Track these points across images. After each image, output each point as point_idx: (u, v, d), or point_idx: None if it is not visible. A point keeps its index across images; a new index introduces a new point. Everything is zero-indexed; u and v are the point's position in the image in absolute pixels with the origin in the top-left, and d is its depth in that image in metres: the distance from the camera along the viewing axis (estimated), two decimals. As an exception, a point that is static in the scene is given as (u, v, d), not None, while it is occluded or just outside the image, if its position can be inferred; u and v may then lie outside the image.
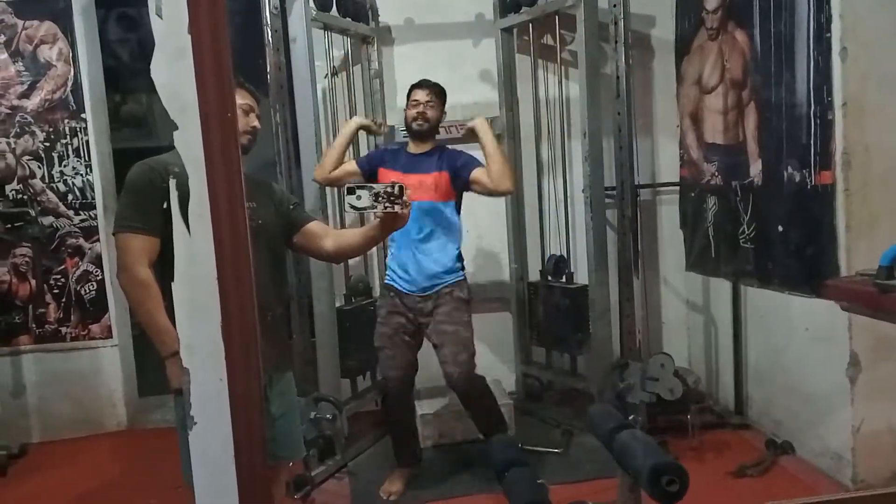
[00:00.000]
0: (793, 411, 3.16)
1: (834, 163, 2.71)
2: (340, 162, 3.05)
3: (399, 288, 2.98)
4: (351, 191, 1.67)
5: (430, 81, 3.01)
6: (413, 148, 3.00)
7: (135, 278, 1.77)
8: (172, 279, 1.77)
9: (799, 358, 3.09)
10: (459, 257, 3.03)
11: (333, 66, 3.72)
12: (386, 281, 3.08)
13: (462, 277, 3.01)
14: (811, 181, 2.84)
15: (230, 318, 0.87)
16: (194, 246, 0.88)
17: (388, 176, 2.91)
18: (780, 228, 3.08)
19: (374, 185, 1.68)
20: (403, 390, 3.07)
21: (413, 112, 2.96)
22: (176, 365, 1.76)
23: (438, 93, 2.99)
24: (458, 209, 3.03)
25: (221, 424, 0.89)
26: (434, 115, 2.98)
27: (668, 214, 4.13)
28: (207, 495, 0.91)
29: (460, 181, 2.93)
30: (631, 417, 3.00)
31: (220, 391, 0.88)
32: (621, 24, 3.36)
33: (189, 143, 0.86)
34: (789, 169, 2.98)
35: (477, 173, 2.89)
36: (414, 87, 3.01)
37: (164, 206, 1.76)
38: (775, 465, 3.06)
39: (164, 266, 1.79)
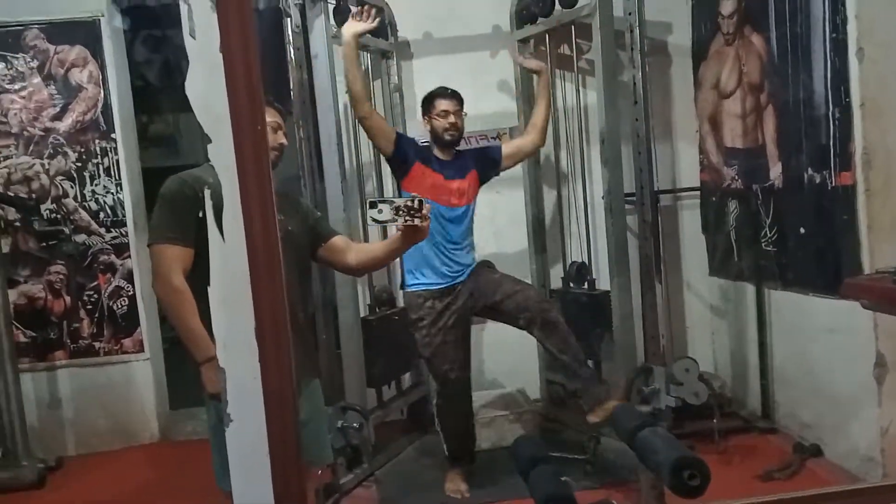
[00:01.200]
0: (820, 414, 3.14)
1: (854, 163, 2.71)
2: (368, 86, 3.12)
3: (434, 287, 3.01)
4: (373, 205, 1.72)
5: (451, 90, 3.03)
6: (441, 154, 3.05)
7: (170, 286, 1.83)
8: (206, 287, 1.84)
9: (825, 360, 3.07)
10: None
11: (354, 82, 3.78)
12: (414, 290, 3.06)
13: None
14: (831, 182, 2.84)
15: (263, 319, 0.92)
16: (228, 252, 0.93)
17: (427, 174, 2.97)
18: (802, 230, 3.08)
19: (394, 199, 1.73)
20: (463, 389, 3.10)
21: (444, 122, 2.97)
22: (210, 371, 1.81)
23: (461, 100, 3.03)
24: None
25: (256, 421, 0.93)
26: (462, 124, 3.03)
27: (690, 219, 4.13)
28: (244, 491, 0.96)
29: (489, 171, 3.07)
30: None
31: (255, 390, 0.93)
32: (637, 31, 3.39)
33: (222, 155, 0.91)
34: (809, 171, 2.98)
35: (506, 149, 3.04)
36: (437, 96, 3.02)
37: (197, 217, 1.82)
38: (803, 468, 3.04)
39: (197, 275, 1.84)
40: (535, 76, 3.38)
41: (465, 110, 3.06)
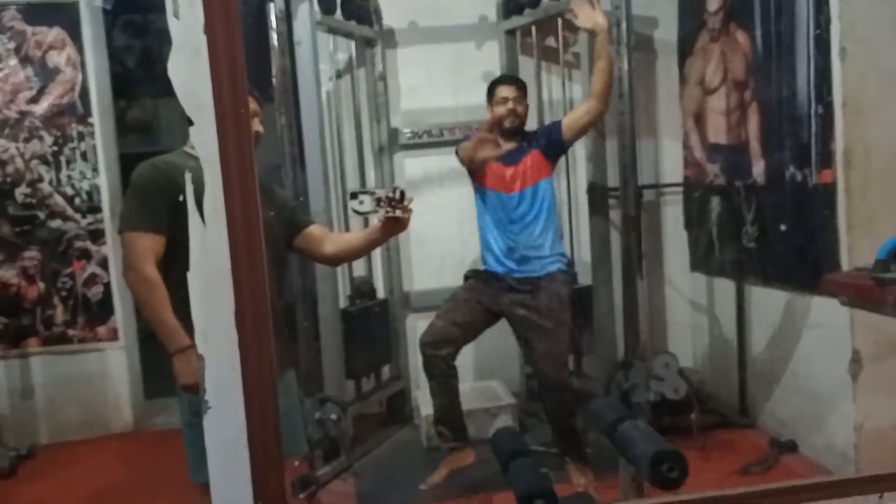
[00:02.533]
0: (797, 410, 3.18)
1: (834, 162, 2.73)
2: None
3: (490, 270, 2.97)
4: (353, 195, 1.70)
5: (513, 77, 3.02)
6: (504, 142, 2.92)
7: (141, 276, 1.79)
8: (178, 277, 1.79)
9: (802, 356, 3.11)
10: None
11: (338, 69, 3.76)
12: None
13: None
14: (812, 180, 2.87)
15: (244, 307, 0.90)
16: (209, 238, 0.90)
17: (491, 166, 2.90)
18: (783, 227, 3.11)
19: (376, 191, 1.71)
20: (446, 365, 2.97)
21: (503, 109, 2.91)
22: (183, 362, 1.77)
23: (522, 86, 2.98)
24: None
25: (235, 410, 0.91)
26: (523, 110, 2.96)
27: (672, 215, 4.15)
28: (221, 479, 0.94)
29: (554, 149, 2.94)
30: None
31: (234, 378, 0.91)
32: (623, 25, 3.39)
33: (204, 138, 0.89)
34: (791, 168, 3.00)
35: (566, 121, 2.92)
36: (498, 83, 2.99)
37: (169, 204, 1.78)
38: (779, 463, 3.07)
39: (169, 264, 1.81)
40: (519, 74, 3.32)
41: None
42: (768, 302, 3.33)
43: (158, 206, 1.79)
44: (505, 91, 2.94)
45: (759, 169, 3.27)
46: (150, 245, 1.80)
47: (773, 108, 3.11)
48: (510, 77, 3.00)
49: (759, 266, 3.34)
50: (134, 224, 1.81)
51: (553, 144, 2.95)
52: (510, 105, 2.92)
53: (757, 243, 3.35)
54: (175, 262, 1.80)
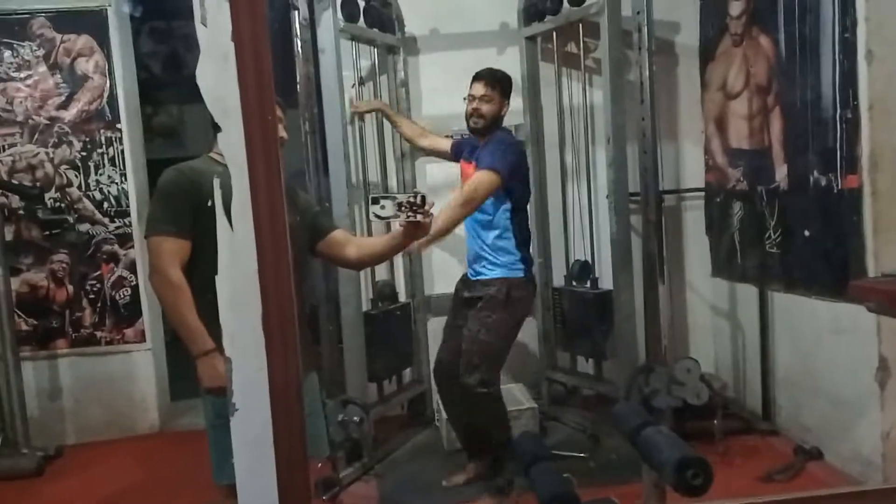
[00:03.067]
0: (821, 417, 3.14)
1: (860, 166, 2.70)
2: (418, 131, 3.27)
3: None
4: (375, 201, 1.71)
5: (489, 71, 2.89)
6: (476, 140, 3.00)
7: (167, 280, 1.82)
8: (203, 281, 1.81)
9: (827, 363, 3.07)
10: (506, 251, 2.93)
11: (360, 76, 3.79)
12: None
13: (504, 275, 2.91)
14: (837, 185, 2.84)
15: (270, 309, 0.92)
16: (236, 241, 0.92)
17: (463, 166, 2.98)
18: (807, 233, 3.07)
19: (397, 195, 1.72)
20: (447, 376, 3.06)
21: (469, 108, 2.89)
22: (206, 365, 1.80)
23: (495, 83, 2.86)
24: (510, 199, 2.89)
25: (261, 412, 0.93)
26: (490, 110, 2.86)
27: (694, 220, 4.13)
28: (247, 479, 0.95)
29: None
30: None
31: (261, 379, 0.93)
32: (645, 30, 3.38)
33: (232, 144, 0.91)
34: (815, 173, 2.97)
35: (461, 191, 2.77)
36: (473, 78, 2.92)
37: (195, 208, 1.81)
38: (804, 470, 3.03)
39: (194, 268, 1.84)
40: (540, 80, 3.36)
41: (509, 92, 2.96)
42: (791, 307, 3.29)
43: (183, 211, 1.83)
44: (474, 88, 2.88)
45: (781, 173, 3.24)
46: (175, 249, 1.83)
47: (797, 112, 3.08)
48: (485, 73, 2.89)
49: (781, 271, 3.30)
50: (159, 228, 1.84)
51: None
52: (475, 104, 2.87)
53: (780, 248, 3.31)
54: (200, 266, 1.83)
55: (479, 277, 2.98)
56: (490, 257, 2.94)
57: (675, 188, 4.08)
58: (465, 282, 3.10)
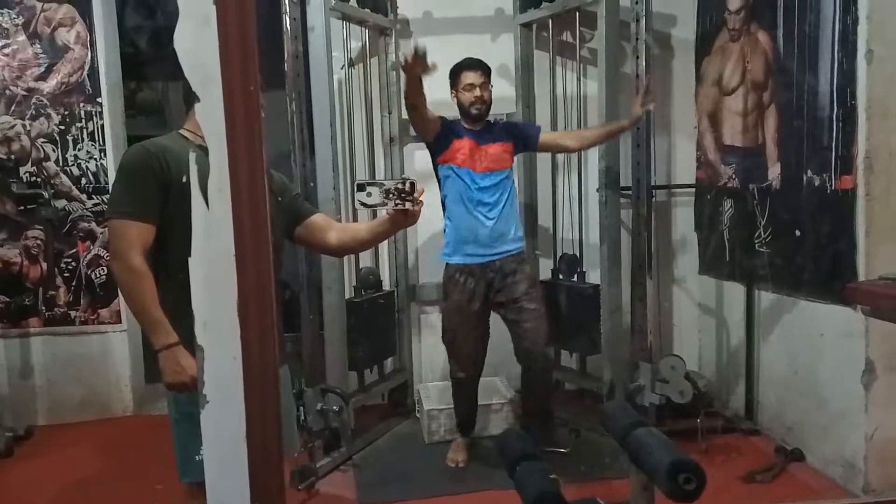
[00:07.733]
0: (804, 418, 3.12)
1: (855, 167, 2.67)
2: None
3: (467, 263, 3.01)
4: (361, 187, 1.60)
5: (477, 60, 2.97)
6: (470, 125, 3.01)
7: (128, 266, 1.66)
8: (169, 268, 1.71)
9: (812, 364, 3.05)
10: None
11: (350, 57, 3.70)
12: (452, 261, 3.04)
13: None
14: (831, 185, 2.80)
15: (247, 294, 0.85)
16: (212, 221, 0.85)
17: (462, 144, 2.95)
18: (798, 233, 3.04)
19: (384, 182, 1.62)
20: (480, 364, 3.17)
21: (470, 96, 2.92)
22: (169, 359, 1.68)
23: (487, 71, 2.96)
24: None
25: (235, 403, 0.87)
26: (490, 97, 2.97)
27: (683, 216, 4.09)
28: (218, 477, 0.89)
29: (521, 148, 3.11)
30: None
31: (235, 370, 0.86)
32: (642, 22, 3.33)
33: (211, 115, 0.83)
34: (809, 173, 2.94)
35: (546, 136, 3.09)
36: (463, 69, 2.96)
37: (161, 190, 1.67)
38: (785, 471, 3.02)
39: (159, 254, 1.70)
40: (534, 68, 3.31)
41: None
42: (779, 307, 3.27)
43: (148, 193, 1.67)
44: (471, 77, 2.92)
45: (774, 172, 3.21)
46: (137, 233, 1.67)
47: (792, 110, 3.04)
48: (476, 61, 2.95)
49: (770, 271, 3.28)
50: (121, 210, 1.68)
51: (525, 147, 3.08)
52: (477, 92, 2.92)
53: (769, 248, 3.28)
54: (165, 252, 1.70)
55: (506, 255, 3.01)
56: (514, 231, 3.05)
57: (666, 184, 4.04)
58: (484, 267, 3.02)
